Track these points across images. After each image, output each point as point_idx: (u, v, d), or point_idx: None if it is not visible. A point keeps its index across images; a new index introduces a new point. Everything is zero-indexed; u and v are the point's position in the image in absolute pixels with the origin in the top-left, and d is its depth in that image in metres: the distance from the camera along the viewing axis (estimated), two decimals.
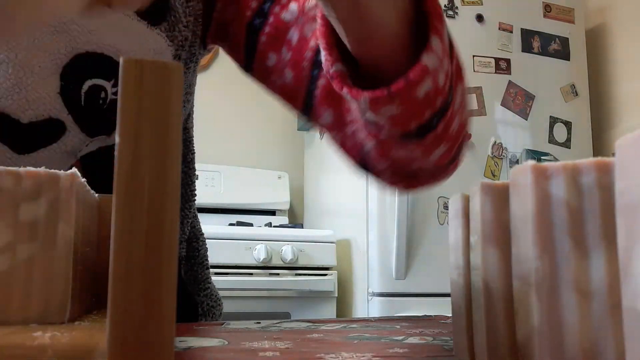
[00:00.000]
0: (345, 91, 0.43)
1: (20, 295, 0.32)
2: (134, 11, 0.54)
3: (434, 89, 0.43)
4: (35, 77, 0.50)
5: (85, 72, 0.52)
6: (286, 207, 2.41)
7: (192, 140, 0.68)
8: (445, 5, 1.93)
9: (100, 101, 0.52)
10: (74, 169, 0.35)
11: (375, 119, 0.45)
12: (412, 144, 0.48)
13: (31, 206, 0.33)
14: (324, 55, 0.44)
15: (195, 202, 0.70)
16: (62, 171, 0.35)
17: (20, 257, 0.33)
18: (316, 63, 0.53)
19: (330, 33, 0.43)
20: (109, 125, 0.53)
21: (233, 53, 0.60)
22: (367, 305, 1.79)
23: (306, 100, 0.54)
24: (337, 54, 0.43)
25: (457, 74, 0.47)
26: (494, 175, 1.90)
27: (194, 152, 0.68)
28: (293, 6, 0.55)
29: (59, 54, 0.51)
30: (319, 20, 0.43)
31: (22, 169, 0.34)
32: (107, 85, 0.52)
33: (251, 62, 0.58)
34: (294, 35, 0.54)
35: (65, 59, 0.51)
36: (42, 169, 0.34)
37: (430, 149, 0.49)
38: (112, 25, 0.53)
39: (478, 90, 1.94)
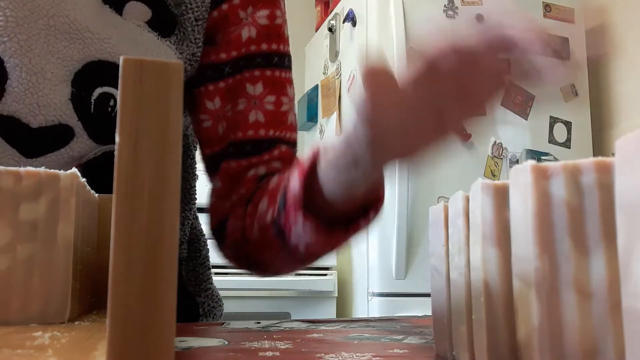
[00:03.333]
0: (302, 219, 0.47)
1: (20, 295, 0.32)
2: (145, 21, 0.56)
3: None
4: (47, 82, 0.51)
5: (96, 79, 0.53)
6: None
7: (191, 146, 0.68)
8: (445, 5, 1.92)
9: (109, 109, 0.53)
10: (74, 169, 0.35)
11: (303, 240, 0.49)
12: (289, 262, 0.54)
13: (31, 206, 0.33)
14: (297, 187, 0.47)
15: (196, 204, 0.70)
16: (62, 171, 0.34)
17: (20, 257, 0.33)
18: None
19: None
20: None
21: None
22: (367, 305, 1.79)
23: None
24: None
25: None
26: (494, 175, 1.90)
27: (194, 157, 0.69)
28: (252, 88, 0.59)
29: (72, 61, 0.52)
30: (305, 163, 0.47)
31: (22, 169, 0.34)
32: (117, 93, 0.53)
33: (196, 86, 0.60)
34: (242, 103, 0.59)
35: (78, 65, 0.52)
36: (42, 169, 0.34)
37: (294, 269, 0.58)
38: (125, 35, 0.54)
39: None
